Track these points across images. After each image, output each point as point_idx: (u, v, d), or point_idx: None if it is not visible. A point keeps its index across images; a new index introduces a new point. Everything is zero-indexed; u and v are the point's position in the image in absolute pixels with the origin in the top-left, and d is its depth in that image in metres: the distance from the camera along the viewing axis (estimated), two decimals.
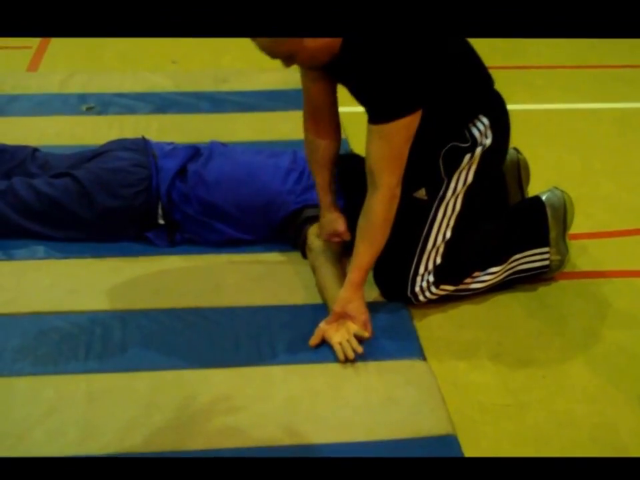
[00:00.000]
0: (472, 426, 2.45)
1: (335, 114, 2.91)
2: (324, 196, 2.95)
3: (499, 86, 2.86)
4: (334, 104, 2.88)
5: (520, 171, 3.17)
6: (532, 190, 3.18)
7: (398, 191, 2.64)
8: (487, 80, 2.82)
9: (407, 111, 2.54)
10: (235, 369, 2.59)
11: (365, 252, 2.70)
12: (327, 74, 2.74)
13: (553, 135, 4.15)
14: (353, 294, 2.69)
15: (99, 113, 4.15)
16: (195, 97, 4.33)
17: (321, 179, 2.94)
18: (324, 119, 2.88)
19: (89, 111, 4.16)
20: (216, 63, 4.91)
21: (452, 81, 2.67)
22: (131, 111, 4.19)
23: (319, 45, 2.51)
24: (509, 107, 2.88)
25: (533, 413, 2.51)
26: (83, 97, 4.29)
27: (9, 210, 3.10)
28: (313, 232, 3.02)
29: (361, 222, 2.69)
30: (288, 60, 2.55)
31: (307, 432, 2.37)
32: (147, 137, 3.36)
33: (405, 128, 2.56)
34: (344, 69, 2.62)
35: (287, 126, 3.88)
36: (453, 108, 2.71)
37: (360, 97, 2.66)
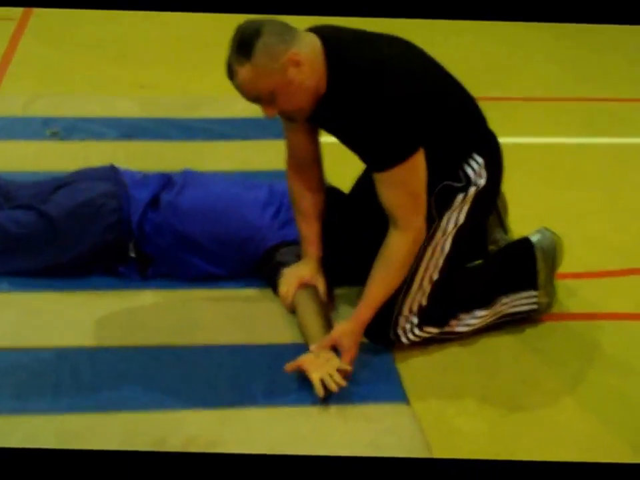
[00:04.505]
0: None
1: (319, 165, 2.88)
2: (308, 247, 2.89)
3: None
4: (317, 154, 2.85)
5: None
6: (516, 227, 3.10)
7: (424, 232, 2.62)
8: (481, 119, 2.77)
9: (409, 151, 2.50)
10: (212, 411, 2.51)
11: (379, 292, 2.65)
12: (310, 124, 2.69)
13: (538, 170, 4.04)
14: (359, 329, 2.65)
15: (63, 139, 4.03)
16: (164, 124, 4.22)
17: (308, 231, 2.89)
18: (308, 171, 2.85)
19: (54, 136, 4.04)
20: (185, 89, 4.79)
21: (447, 118, 2.63)
22: (97, 136, 4.07)
23: (303, 78, 2.46)
24: None
25: None
26: (47, 121, 4.16)
27: None
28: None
29: (380, 262, 2.63)
30: (269, 101, 2.49)
31: None
32: (114, 164, 3.25)
33: (413, 168, 2.52)
34: (330, 115, 2.58)
35: (261, 156, 3.82)
36: (447, 146, 2.66)
37: (352, 144, 2.63)
